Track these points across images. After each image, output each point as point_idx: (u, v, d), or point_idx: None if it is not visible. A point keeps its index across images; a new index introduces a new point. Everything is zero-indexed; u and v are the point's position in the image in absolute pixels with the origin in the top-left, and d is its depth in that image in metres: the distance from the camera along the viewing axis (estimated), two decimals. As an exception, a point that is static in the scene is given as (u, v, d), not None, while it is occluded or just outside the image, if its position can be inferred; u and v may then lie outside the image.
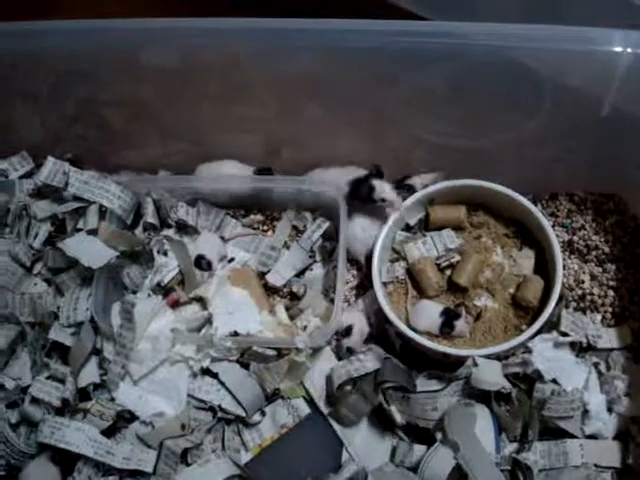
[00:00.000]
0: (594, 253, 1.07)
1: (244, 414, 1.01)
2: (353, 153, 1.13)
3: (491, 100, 1.04)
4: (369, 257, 1.07)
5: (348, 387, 1.01)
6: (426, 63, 0.99)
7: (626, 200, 1.11)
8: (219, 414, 1.02)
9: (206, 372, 1.03)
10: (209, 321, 1.04)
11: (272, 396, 1.04)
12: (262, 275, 1.12)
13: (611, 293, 1.04)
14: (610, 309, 1.04)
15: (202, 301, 1.07)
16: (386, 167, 1.10)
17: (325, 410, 1.03)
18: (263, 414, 1.04)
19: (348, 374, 1.01)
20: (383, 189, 1.05)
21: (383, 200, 1.05)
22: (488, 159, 1.09)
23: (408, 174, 1.12)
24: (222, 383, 1.02)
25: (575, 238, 1.08)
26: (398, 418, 0.99)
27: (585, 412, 0.97)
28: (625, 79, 0.95)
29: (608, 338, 1.02)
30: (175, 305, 1.07)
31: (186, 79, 1.08)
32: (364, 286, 1.11)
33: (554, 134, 1.06)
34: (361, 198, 1.06)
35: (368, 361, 1.02)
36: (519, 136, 1.08)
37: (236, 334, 1.02)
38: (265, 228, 1.18)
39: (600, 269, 1.06)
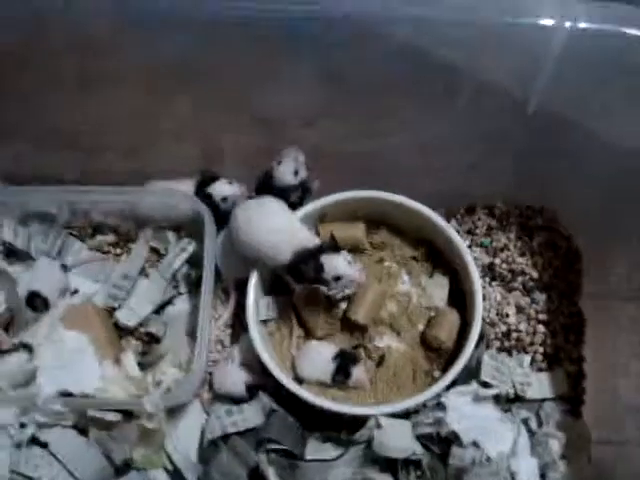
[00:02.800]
0: (520, 279, 0.87)
1: (85, 494, 0.79)
2: (221, 159, 0.92)
3: (393, 94, 0.84)
4: (243, 287, 0.84)
5: (222, 444, 0.80)
6: (308, 46, 0.79)
7: (557, 215, 0.92)
8: (52, 495, 0.79)
9: (34, 441, 0.80)
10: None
11: (123, 468, 0.81)
12: (112, 312, 0.87)
13: (541, 329, 0.84)
14: (541, 349, 0.84)
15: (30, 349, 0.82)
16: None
17: (193, 480, 0.83)
18: (113, 492, 0.82)
19: (223, 429, 0.80)
20: (336, 266, 0.78)
21: (338, 278, 0.78)
22: (390, 167, 0.88)
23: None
24: (54, 455, 0.79)
25: (497, 261, 0.88)
26: None
27: (514, 483, 0.76)
28: (559, 63, 0.75)
29: (539, 386, 0.82)
30: (-5, 354, 0.82)
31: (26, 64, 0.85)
32: (243, 324, 0.87)
33: (470, 136, 0.87)
34: (304, 278, 0.80)
35: (250, 413, 0.80)
36: (427, 138, 0.88)
37: (68, 394, 0.77)
38: (118, 252, 0.93)
39: (527, 299, 0.86)
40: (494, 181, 0.90)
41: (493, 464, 0.73)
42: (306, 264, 0.78)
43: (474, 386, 0.78)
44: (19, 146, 0.93)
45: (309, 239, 0.81)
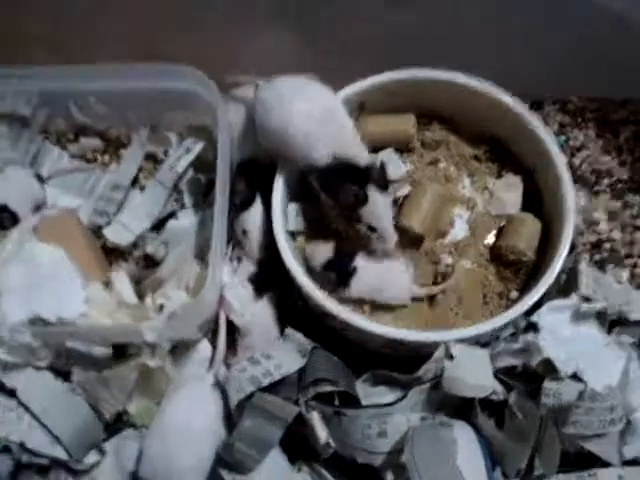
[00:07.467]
0: (606, 181, 0.69)
1: (66, 456, 0.60)
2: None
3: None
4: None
5: (245, 405, 0.57)
6: None
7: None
8: (23, 458, 0.60)
9: (-2, 388, 0.61)
10: (-3, 302, 0.59)
11: (114, 424, 0.63)
12: (99, 230, 0.67)
13: (640, 237, 0.65)
14: (642, 261, 0.65)
15: (-8, 270, 0.61)
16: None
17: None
18: (101, 453, 0.62)
19: (255, 382, 0.57)
20: (379, 209, 0.59)
21: (371, 229, 0.59)
22: (439, 45, 0.68)
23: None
24: (25, 406, 0.60)
25: (576, 161, 0.69)
26: (323, 437, 0.57)
27: (627, 424, 0.56)
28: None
29: (643, 304, 0.62)
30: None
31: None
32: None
33: (530, 18, 0.68)
34: (336, 201, 0.59)
35: (283, 357, 0.59)
36: (484, 12, 0.68)
37: (41, 322, 0.57)
38: (106, 159, 0.73)
39: (619, 203, 0.68)
40: (564, 70, 0.71)
41: (608, 398, 0.53)
42: (345, 187, 0.58)
43: (574, 300, 0.58)
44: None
45: (357, 148, 0.59)
